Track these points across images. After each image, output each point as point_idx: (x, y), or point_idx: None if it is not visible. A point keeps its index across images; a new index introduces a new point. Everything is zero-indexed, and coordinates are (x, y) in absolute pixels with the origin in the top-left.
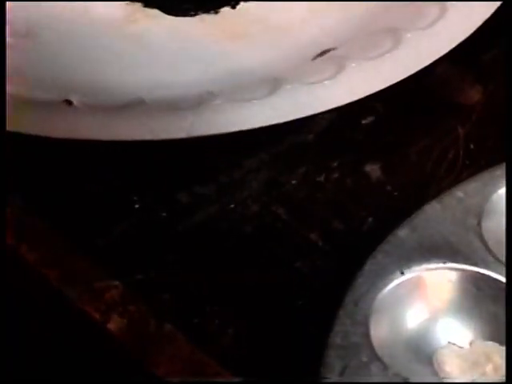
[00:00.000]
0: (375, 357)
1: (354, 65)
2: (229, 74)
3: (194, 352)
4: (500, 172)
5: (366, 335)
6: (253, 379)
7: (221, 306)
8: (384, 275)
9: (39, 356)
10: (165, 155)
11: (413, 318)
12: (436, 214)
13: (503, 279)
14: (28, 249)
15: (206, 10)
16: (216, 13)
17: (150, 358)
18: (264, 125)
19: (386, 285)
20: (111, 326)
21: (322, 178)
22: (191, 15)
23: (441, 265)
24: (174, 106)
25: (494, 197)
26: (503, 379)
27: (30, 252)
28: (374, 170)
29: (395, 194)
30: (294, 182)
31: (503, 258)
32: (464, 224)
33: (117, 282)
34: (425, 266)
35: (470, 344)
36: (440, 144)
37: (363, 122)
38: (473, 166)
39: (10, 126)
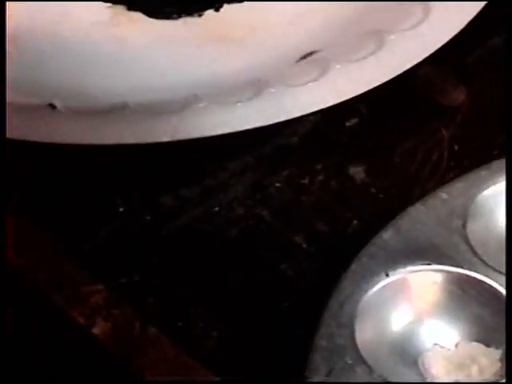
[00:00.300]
0: (360, 359)
1: (338, 67)
2: (213, 77)
3: (178, 355)
4: (485, 173)
5: (351, 337)
6: (234, 379)
7: (205, 309)
8: (369, 277)
9: (29, 358)
10: (149, 158)
11: (398, 320)
12: (420, 216)
13: (488, 280)
14: (14, 252)
15: (190, 13)
16: (199, 16)
17: (135, 361)
18: (248, 127)
19: (370, 287)
20: (96, 330)
21: (306, 181)
22: (174, 18)
23: (426, 266)
24: (158, 109)
25: (479, 198)
26: (489, 380)
27: (15, 256)
28: (358, 172)
29: (380, 196)
30: (278, 184)
31: (488, 259)
32: (449, 225)
33: (101, 286)
34: (410, 267)
35: (456, 346)
36: (424, 146)
37: (347, 124)
38: (457, 167)
39: None
